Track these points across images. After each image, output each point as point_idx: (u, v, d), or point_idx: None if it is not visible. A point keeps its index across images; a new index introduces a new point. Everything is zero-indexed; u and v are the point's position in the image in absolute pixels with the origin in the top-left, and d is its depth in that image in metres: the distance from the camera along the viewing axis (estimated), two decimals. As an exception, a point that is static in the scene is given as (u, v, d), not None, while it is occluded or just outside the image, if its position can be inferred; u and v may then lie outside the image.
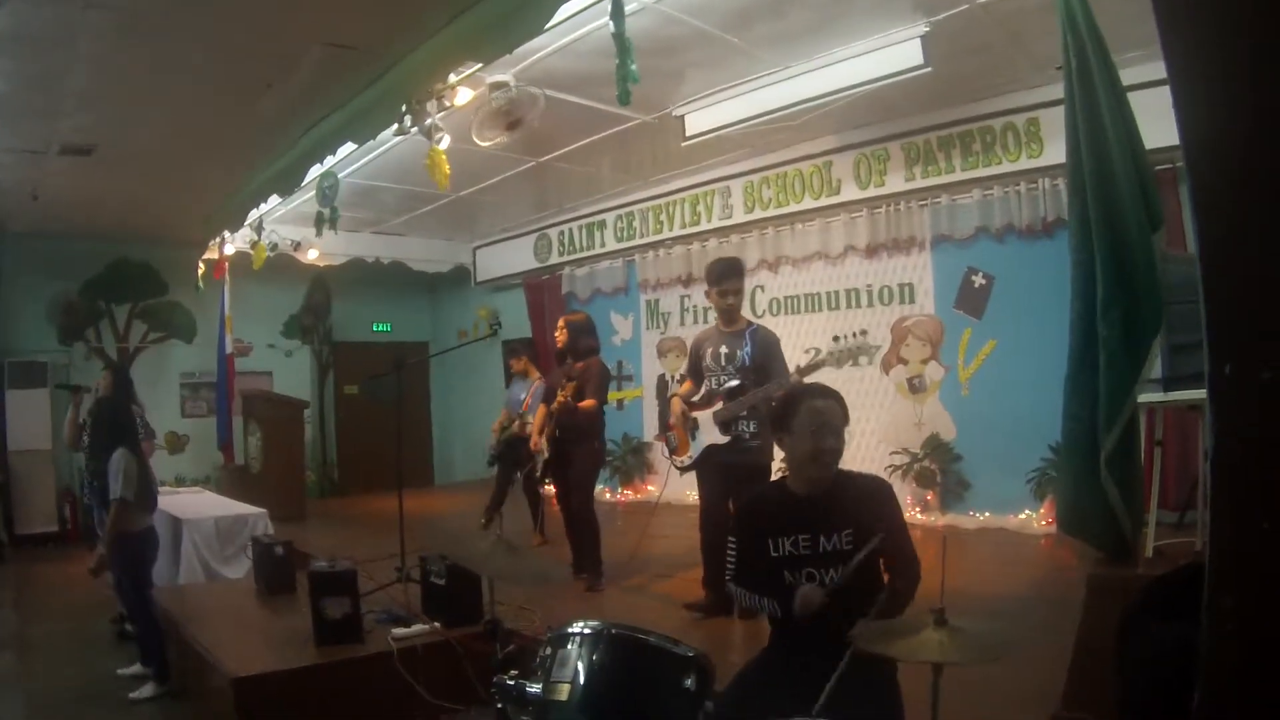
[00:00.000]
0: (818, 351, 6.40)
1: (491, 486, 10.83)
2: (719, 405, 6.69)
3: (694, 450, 6.89)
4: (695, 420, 6.85)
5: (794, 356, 11.01)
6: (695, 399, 6.94)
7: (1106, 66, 4.38)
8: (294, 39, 7.08)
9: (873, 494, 3.87)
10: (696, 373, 7.01)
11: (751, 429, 6.60)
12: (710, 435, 6.74)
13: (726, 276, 6.87)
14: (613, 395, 12.42)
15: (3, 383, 13.83)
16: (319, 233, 10.82)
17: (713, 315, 7.26)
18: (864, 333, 6.34)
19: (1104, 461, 4.31)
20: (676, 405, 7.06)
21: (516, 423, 10.24)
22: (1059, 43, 4.56)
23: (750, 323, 6.93)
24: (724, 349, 6.78)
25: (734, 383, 6.68)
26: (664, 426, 7.20)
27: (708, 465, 6.83)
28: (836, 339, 6.44)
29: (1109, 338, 4.30)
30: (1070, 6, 4.44)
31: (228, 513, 9.61)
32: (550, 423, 7.83)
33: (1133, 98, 4.48)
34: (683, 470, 7.13)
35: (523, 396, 10.45)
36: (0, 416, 13.77)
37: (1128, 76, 4.58)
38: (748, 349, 6.66)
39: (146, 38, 7.00)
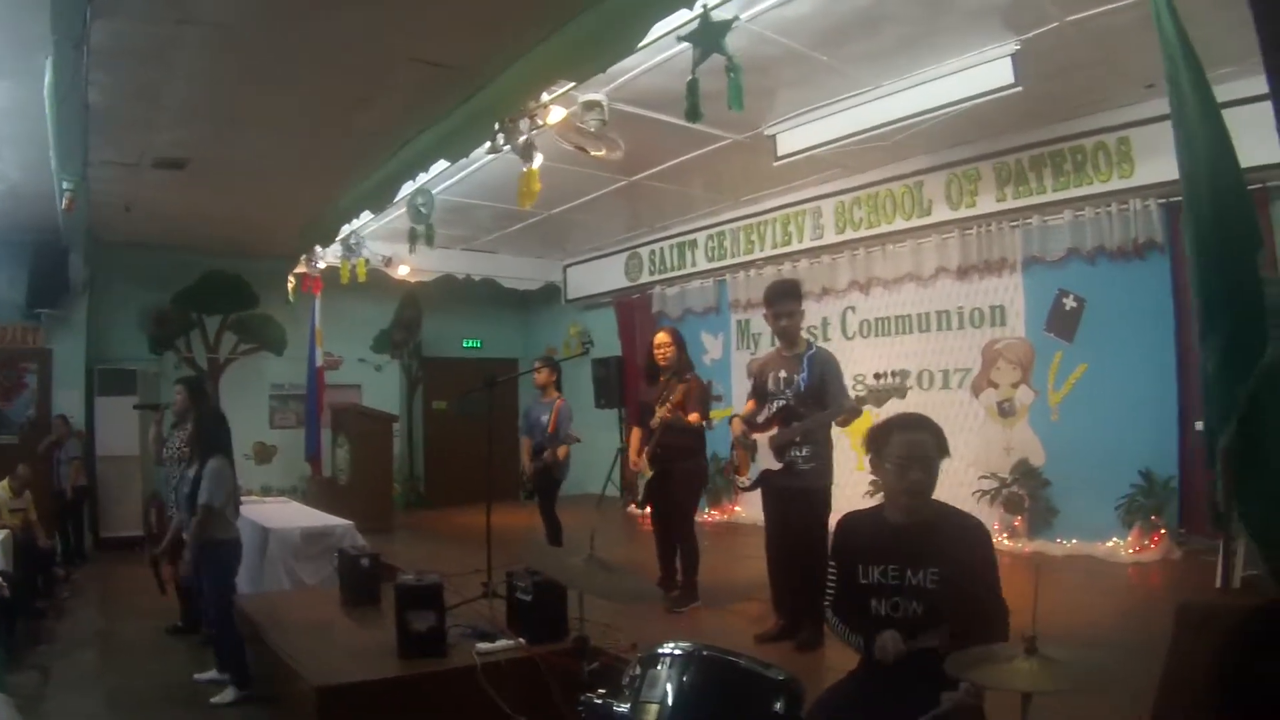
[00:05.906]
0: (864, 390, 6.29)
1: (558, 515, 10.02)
2: (774, 430, 6.65)
3: (752, 472, 6.84)
4: (755, 442, 6.79)
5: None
6: (757, 420, 6.87)
7: (1199, 82, 4.29)
8: (387, 56, 7.17)
9: (965, 536, 3.79)
10: (760, 395, 6.94)
11: (804, 453, 6.52)
12: (767, 459, 6.67)
13: (779, 298, 6.81)
14: (707, 415, 12.33)
15: (93, 390, 14.21)
16: (412, 249, 10.96)
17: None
18: (903, 371, 6.17)
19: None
20: (737, 426, 6.98)
21: (548, 451, 9.59)
22: (1158, 59, 4.47)
23: (810, 345, 6.85)
24: (783, 373, 6.71)
25: (780, 403, 6.66)
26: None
27: (767, 491, 6.82)
28: (878, 376, 6.31)
29: (1206, 361, 4.22)
30: (1162, 21, 4.35)
31: (315, 523, 9.76)
32: (653, 440, 7.77)
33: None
34: (744, 490, 7.12)
35: (545, 419, 9.79)
36: (90, 423, 14.15)
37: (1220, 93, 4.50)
38: (804, 374, 6.58)
39: (240, 53, 7.13)
